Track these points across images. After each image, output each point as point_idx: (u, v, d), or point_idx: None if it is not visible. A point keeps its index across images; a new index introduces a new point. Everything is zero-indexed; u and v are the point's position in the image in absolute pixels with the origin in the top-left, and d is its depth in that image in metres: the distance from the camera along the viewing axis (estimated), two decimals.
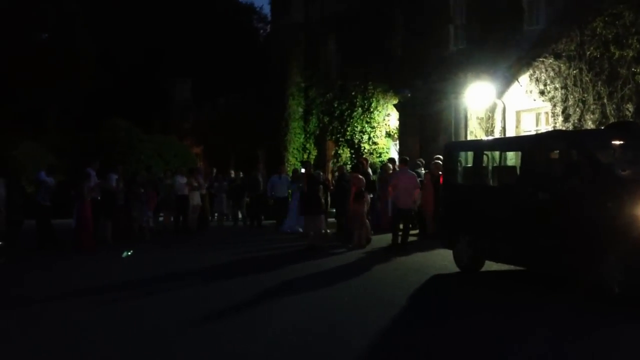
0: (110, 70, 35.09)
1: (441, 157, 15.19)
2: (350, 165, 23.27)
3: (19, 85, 31.69)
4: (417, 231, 16.02)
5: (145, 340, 6.98)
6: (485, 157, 11.01)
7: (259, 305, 8.71)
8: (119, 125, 28.84)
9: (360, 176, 14.79)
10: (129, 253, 9.38)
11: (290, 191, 19.44)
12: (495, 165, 11.30)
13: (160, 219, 19.89)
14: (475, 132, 18.76)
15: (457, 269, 10.97)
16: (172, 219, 19.18)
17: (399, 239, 13.83)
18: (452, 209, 11.51)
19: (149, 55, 37.23)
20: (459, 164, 11.97)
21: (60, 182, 16.55)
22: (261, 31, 44.53)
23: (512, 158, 13.23)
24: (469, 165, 11.58)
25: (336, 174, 18.88)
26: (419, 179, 14.95)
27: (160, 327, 7.55)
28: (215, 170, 23.67)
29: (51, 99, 33.53)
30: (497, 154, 11.45)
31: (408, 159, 15.93)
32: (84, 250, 14.54)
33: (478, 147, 11.58)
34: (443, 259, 12.07)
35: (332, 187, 18.08)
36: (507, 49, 17.65)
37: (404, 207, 13.94)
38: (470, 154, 11.57)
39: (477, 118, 18.75)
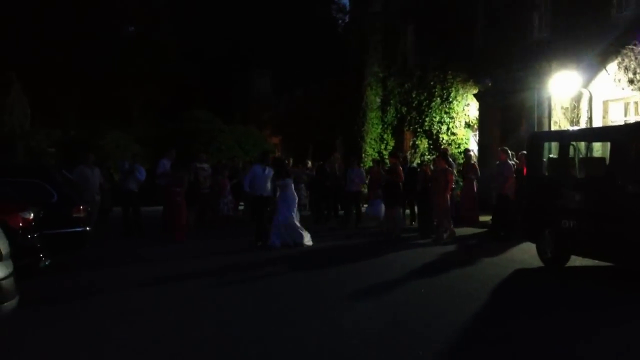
0: (193, 63, 35.96)
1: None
2: (428, 157, 23.03)
3: (106, 77, 32.92)
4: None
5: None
6: (571, 148, 10.64)
7: (335, 298, 8.65)
8: (201, 116, 29.58)
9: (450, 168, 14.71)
10: None
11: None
12: (582, 156, 10.88)
13: (241, 207, 20.24)
14: (559, 122, 18.17)
15: (539, 263, 10.69)
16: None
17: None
18: (536, 201, 11.19)
19: (229, 48, 37.91)
20: (543, 155, 11.61)
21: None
22: (340, 21, 44.54)
23: (597, 149, 12.78)
24: (554, 156, 11.20)
25: (414, 164, 18.52)
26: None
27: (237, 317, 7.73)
28: (292, 160, 23.84)
29: (136, 91, 34.67)
30: (583, 144, 11.04)
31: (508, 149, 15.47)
32: (168, 237, 14.93)
33: (564, 137, 11.17)
34: (524, 253, 11.82)
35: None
36: (595, 36, 16.96)
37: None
38: (555, 144, 11.20)
39: (562, 108, 18.16)
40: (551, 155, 11.45)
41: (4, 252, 6.11)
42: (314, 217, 18.71)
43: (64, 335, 6.79)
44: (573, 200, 10.00)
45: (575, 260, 10.50)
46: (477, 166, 17.68)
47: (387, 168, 16.34)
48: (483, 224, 16.37)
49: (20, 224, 8.85)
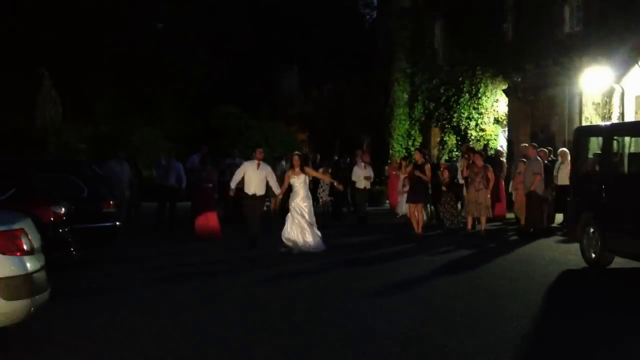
0: (221, 59, 36.17)
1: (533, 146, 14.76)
2: (456, 153, 22.83)
3: (136, 74, 33.27)
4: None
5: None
6: (616, 143, 10.18)
7: (362, 296, 8.54)
8: (229, 112, 29.76)
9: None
10: None
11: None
12: (630, 151, 10.26)
13: (267, 203, 20.23)
14: (590, 118, 17.91)
15: (579, 261, 10.32)
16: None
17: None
18: (581, 199, 10.76)
19: (257, 44, 38.05)
20: (589, 150, 11.15)
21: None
22: (367, 17, 44.46)
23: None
24: (600, 152, 10.60)
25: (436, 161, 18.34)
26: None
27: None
28: (319, 157, 23.84)
29: (166, 87, 34.96)
30: (626, 139, 10.47)
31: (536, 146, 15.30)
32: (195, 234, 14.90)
33: (612, 131, 10.59)
34: (555, 250, 11.69)
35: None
36: (627, 30, 16.66)
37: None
38: (601, 139, 10.71)
39: (593, 104, 17.88)
40: (597, 151, 10.94)
41: (35, 245, 6.20)
42: (332, 214, 18.65)
43: (93, 328, 6.87)
44: (619, 198, 9.56)
45: (621, 262, 10.02)
46: (505, 163, 17.53)
47: (414, 163, 16.21)
48: (510, 221, 16.26)
49: (52, 218, 9.01)
